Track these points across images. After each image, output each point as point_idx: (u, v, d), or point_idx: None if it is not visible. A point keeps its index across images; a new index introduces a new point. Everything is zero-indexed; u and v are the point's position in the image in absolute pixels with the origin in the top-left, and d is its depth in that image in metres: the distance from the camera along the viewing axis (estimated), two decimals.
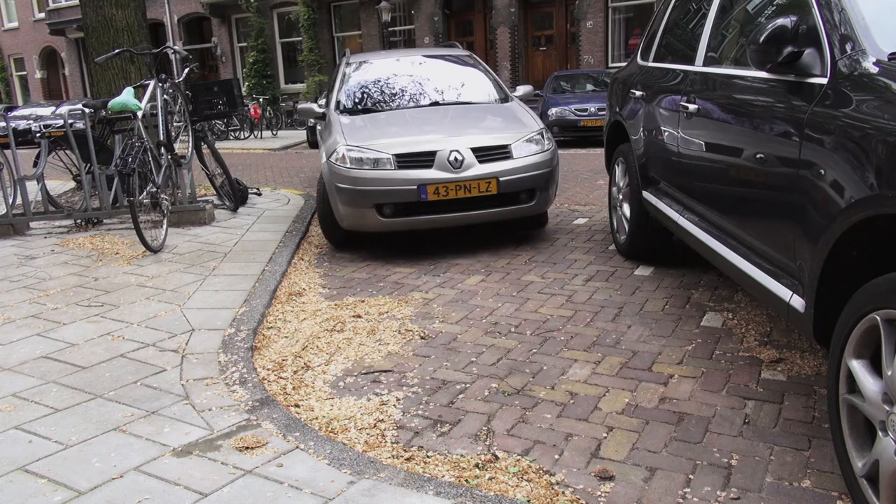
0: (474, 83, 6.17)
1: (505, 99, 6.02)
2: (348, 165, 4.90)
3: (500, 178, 4.87)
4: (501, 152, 4.98)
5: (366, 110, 5.80)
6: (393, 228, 4.95)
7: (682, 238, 3.68)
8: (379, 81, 6.16)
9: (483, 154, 4.93)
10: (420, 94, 5.97)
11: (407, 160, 4.86)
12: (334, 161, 4.98)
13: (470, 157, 4.87)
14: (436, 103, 5.84)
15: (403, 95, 5.96)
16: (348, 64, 6.50)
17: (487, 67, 6.50)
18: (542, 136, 5.21)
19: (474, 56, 6.73)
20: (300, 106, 6.14)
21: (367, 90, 6.07)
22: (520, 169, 4.94)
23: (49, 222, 6.25)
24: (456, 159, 4.82)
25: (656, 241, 4.52)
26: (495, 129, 5.21)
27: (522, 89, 6.30)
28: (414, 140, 4.98)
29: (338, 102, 5.93)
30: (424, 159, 4.86)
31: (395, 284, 4.49)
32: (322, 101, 7.13)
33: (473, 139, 4.98)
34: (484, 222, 5.06)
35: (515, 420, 2.70)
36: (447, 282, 4.48)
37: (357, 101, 5.96)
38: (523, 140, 5.09)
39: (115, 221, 6.22)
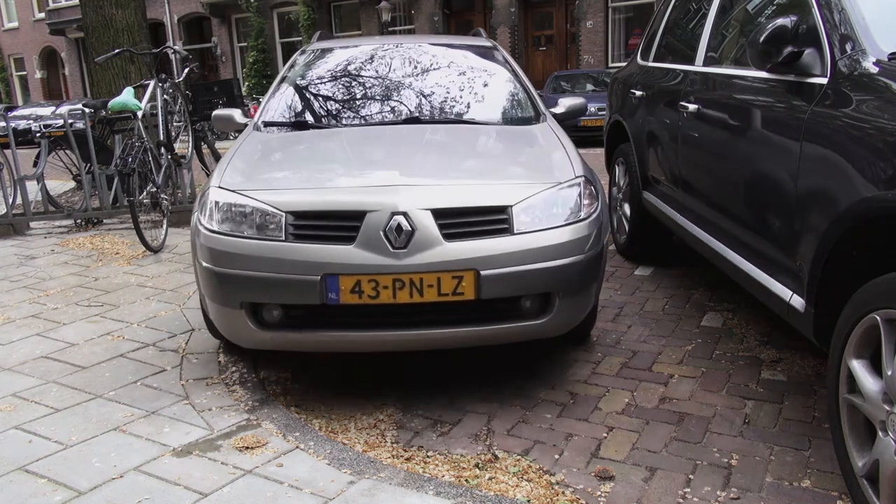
0: (489, 90, 3.95)
1: (533, 117, 3.67)
2: (214, 226, 2.77)
3: (483, 272, 2.59)
4: (491, 221, 2.68)
5: (301, 125, 3.62)
6: (281, 347, 2.81)
7: (682, 238, 3.68)
8: (339, 80, 4.03)
9: (454, 222, 2.65)
10: (395, 102, 3.73)
11: (310, 224, 2.67)
12: (200, 216, 2.89)
13: (428, 227, 2.60)
14: (414, 119, 3.57)
15: (367, 104, 3.76)
16: (303, 52, 4.41)
17: (516, 66, 4.22)
18: (579, 194, 2.84)
19: (500, 48, 4.46)
20: (217, 112, 4.01)
21: (312, 93, 3.96)
22: (523, 255, 2.63)
23: (49, 222, 6.25)
24: (399, 229, 2.58)
25: (656, 241, 4.52)
26: (489, 174, 2.98)
27: (567, 103, 3.94)
28: (332, 187, 2.83)
29: (265, 110, 3.79)
30: (342, 225, 2.64)
31: None
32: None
33: (440, 193, 2.72)
34: (451, 348, 2.85)
35: (515, 420, 2.70)
36: None
37: (291, 110, 3.81)
38: (538, 197, 2.76)
39: (115, 221, 6.22)
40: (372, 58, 4.22)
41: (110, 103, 5.48)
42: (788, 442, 2.48)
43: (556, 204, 2.78)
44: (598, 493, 2.24)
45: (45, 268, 4.82)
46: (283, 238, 2.66)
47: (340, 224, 2.65)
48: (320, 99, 3.94)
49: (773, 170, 2.54)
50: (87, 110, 5.92)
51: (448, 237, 2.62)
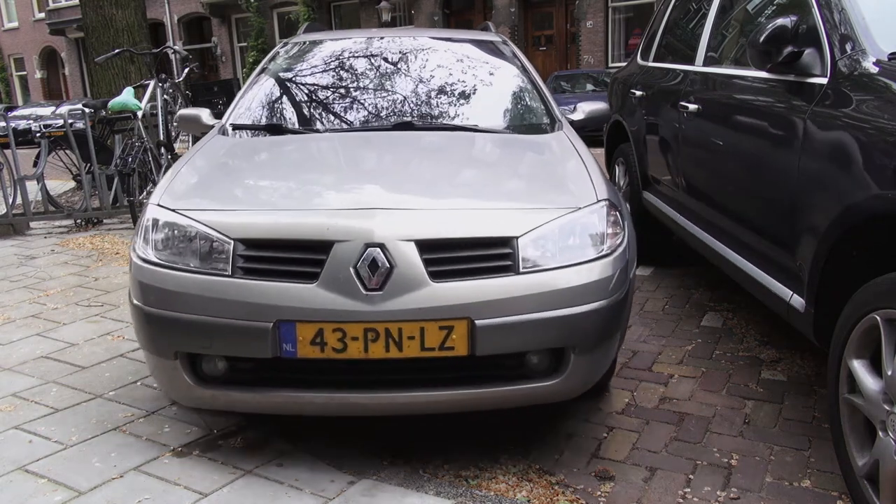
0: (495, 91, 3.46)
1: (546, 125, 3.16)
2: (149, 255, 2.29)
3: (479, 322, 2.09)
4: (491, 256, 2.18)
5: (274, 129, 3.12)
6: (224, 407, 2.33)
7: (682, 238, 3.68)
8: (322, 77, 3.52)
9: (444, 258, 2.15)
10: (385, 105, 3.24)
11: (263, 256, 2.18)
12: (135, 239, 2.40)
13: (410, 263, 2.11)
14: (406, 125, 3.05)
15: (352, 106, 3.27)
16: (286, 44, 3.89)
17: (527, 64, 3.65)
18: (603, 221, 2.32)
19: (509, 43, 3.91)
20: (182, 112, 3.52)
21: (290, 93, 3.44)
22: (530, 301, 2.13)
23: (49, 222, 6.25)
24: (374, 265, 2.09)
25: (656, 241, 4.52)
26: (490, 195, 2.46)
27: (587, 108, 3.43)
28: (293, 209, 2.32)
29: (234, 111, 3.30)
30: (302, 258, 2.15)
31: None
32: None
33: (428, 220, 2.22)
34: (436, 412, 2.32)
35: (516, 420, 2.70)
36: None
37: (265, 111, 3.30)
38: (551, 226, 2.25)
39: (115, 221, 6.22)
40: (363, 53, 3.63)
41: (110, 103, 5.50)
42: (788, 442, 2.48)
43: (572, 235, 2.25)
44: (598, 493, 2.24)
45: (45, 268, 4.82)
46: (230, 272, 2.15)
47: (300, 257, 2.14)
48: (298, 99, 3.42)
49: (772, 169, 2.54)
50: (87, 110, 5.92)
51: (436, 276, 2.11)
